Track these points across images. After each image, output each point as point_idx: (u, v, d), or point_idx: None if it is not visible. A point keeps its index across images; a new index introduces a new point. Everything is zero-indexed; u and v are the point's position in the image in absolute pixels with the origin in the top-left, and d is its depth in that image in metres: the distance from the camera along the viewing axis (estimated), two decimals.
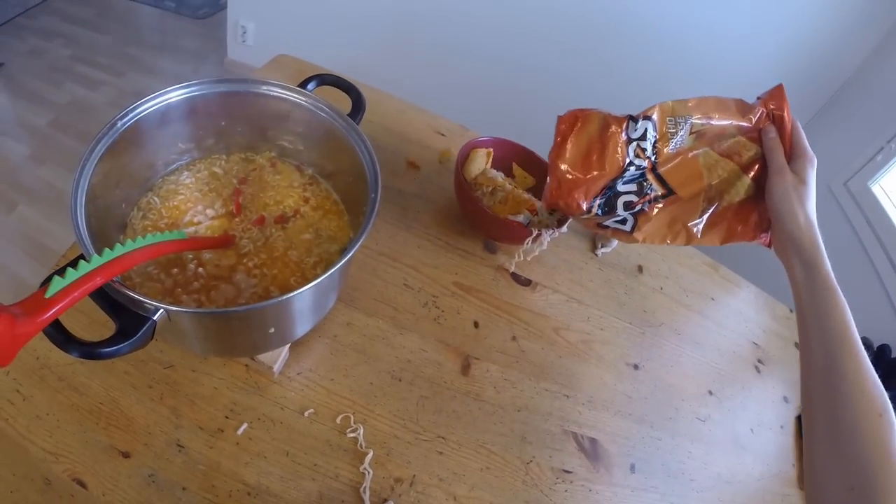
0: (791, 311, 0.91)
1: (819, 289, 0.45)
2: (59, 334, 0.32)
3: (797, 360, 0.79)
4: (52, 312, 0.28)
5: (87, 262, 0.32)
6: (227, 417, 0.46)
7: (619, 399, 0.61)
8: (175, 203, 0.50)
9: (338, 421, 0.48)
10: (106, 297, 0.34)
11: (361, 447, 0.47)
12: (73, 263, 0.31)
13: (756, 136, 0.50)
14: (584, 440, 0.56)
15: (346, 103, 0.52)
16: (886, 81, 1.56)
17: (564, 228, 0.62)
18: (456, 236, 0.67)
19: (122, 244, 0.34)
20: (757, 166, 0.51)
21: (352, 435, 0.48)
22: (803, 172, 0.47)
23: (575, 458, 0.54)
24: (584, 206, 0.50)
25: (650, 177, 0.50)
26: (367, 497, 0.45)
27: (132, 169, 0.47)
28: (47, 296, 0.29)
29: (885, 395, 0.39)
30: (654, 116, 0.49)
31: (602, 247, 0.73)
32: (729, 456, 0.64)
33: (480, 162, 0.65)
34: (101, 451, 0.43)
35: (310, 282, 0.37)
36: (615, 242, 0.74)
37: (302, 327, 0.46)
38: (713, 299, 0.78)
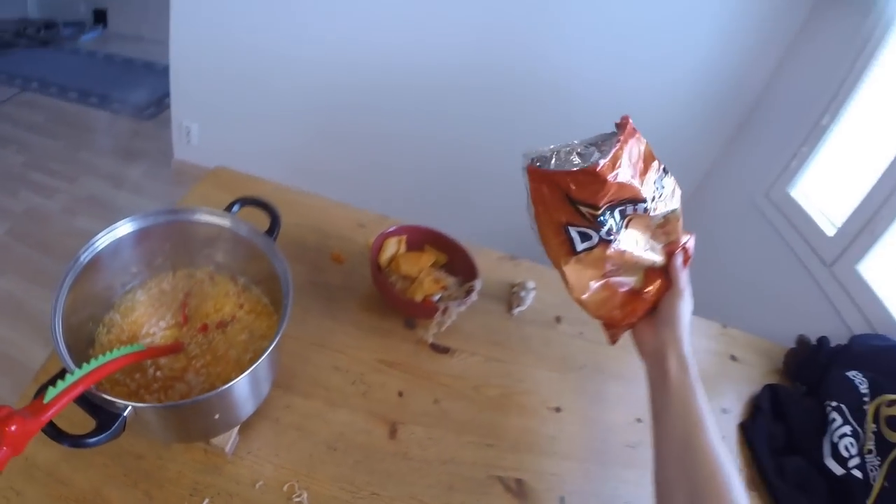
0: (724, 326, 1.13)
1: (691, 383, 0.65)
2: (53, 430, 0.50)
3: (733, 372, 1.00)
4: (49, 414, 0.46)
5: (71, 374, 0.52)
6: (191, 495, 0.63)
7: (544, 441, 0.79)
8: (133, 318, 0.70)
9: (284, 489, 0.66)
10: (85, 400, 0.53)
11: None
12: (61, 375, 0.50)
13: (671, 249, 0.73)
14: (510, 482, 0.74)
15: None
16: (790, 94, 2.01)
17: (474, 296, 0.83)
18: (378, 318, 0.88)
19: (94, 359, 0.54)
20: (655, 272, 0.73)
21: (297, 500, 0.65)
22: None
23: (502, 499, 0.72)
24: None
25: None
26: None
27: (95, 292, 0.67)
28: (45, 402, 0.49)
29: (734, 465, 0.59)
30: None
31: (517, 306, 0.94)
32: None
33: (392, 249, 0.88)
34: None
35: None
36: (528, 301, 0.95)
37: (243, 412, 0.65)
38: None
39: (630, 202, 0.65)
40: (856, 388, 1.04)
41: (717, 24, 2.04)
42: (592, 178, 0.60)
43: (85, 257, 0.64)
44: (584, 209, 0.63)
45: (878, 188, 1.43)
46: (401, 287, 0.85)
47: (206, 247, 0.75)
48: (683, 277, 0.74)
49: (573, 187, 0.62)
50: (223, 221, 0.72)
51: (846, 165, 1.69)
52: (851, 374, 1.06)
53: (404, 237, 0.91)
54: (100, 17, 4.32)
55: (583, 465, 0.79)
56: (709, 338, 1.07)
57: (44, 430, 0.49)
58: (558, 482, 0.76)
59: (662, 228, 0.72)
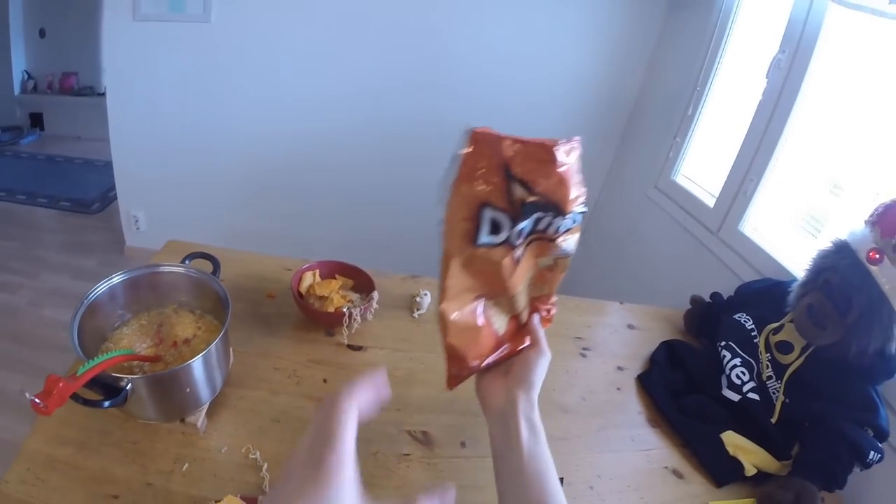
0: (621, 303, 1.45)
1: (542, 453, 0.72)
2: (80, 398, 0.80)
3: (630, 338, 1.32)
4: (81, 380, 0.77)
5: (83, 366, 0.81)
6: (175, 462, 0.93)
7: (444, 403, 1.11)
8: (122, 344, 1.01)
9: (242, 451, 0.96)
10: (98, 383, 0.83)
11: (259, 462, 0.94)
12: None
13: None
14: (417, 433, 1.05)
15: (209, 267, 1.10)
16: (660, 93, 2.48)
17: (374, 304, 1.20)
18: (305, 332, 1.22)
19: (100, 356, 0.84)
20: (516, 321, 0.81)
21: (252, 457, 0.95)
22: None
23: (411, 445, 1.02)
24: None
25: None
26: (267, 487, 0.91)
27: (94, 328, 0.98)
28: (78, 374, 0.78)
29: None
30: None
31: (416, 310, 1.30)
32: (559, 421, 1.12)
33: (308, 280, 1.25)
34: (98, 500, 0.87)
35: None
36: (426, 306, 1.30)
37: (207, 389, 0.96)
38: None
39: (553, 210, 0.65)
40: (742, 326, 1.31)
41: (585, 38, 2.54)
42: (544, 154, 0.62)
43: (87, 300, 0.97)
44: (517, 189, 0.62)
45: (740, 158, 1.84)
46: (318, 306, 1.21)
47: (170, 290, 1.10)
48: (544, 338, 0.81)
49: (518, 158, 0.61)
50: (181, 269, 1.08)
51: (714, 145, 2.12)
52: (738, 316, 1.35)
53: (317, 270, 1.29)
54: (36, 120, 4.77)
55: (478, 417, 1.05)
56: (607, 315, 1.41)
57: (73, 398, 0.78)
58: (458, 430, 1.07)
59: (544, 274, 0.78)
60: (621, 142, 2.81)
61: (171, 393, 0.94)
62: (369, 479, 0.96)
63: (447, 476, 1.00)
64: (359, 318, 1.19)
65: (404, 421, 1.08)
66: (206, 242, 1.34)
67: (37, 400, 0.73)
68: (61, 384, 0.75)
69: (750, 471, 1.08)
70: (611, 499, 1.01)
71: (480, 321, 0.74)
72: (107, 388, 0.86)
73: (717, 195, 1.97)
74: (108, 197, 3.71)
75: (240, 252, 1.42)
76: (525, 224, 0.65)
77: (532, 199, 0.63)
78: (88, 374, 0.81)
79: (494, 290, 0.72)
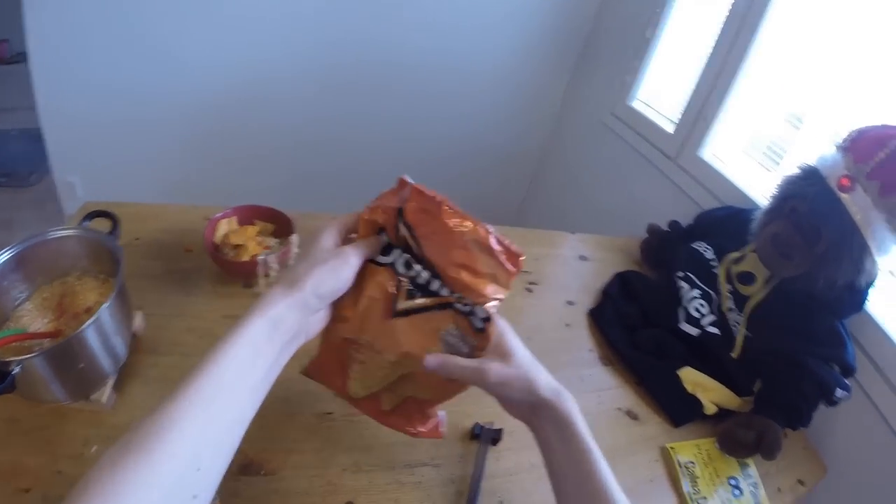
0: (572, 232, 1.34)
1: (575, 451, 0.66)
2: None
3: (582, 270, 1.20)
4: None
5: None
6: (84, 445, 0.90)
7: None
8: (22, 323, 0.96)
9: None
10: None
11: None
12: None
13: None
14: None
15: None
16: (617, 16, 2.38)
17: (295, 248, 1.13)
18: (222, 286, 1.17)
19: None
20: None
21: None
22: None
23: (334, 402, 0.99)
24: None
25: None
26: None
27: None
28: None
29: None
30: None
31: None
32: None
33: (224, 228, 1.18)
34: (9, 495, 0.85)
35: None
36: None
37: (105, 362, 0.91)
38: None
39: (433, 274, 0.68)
40: (702, 255, 1.26)
41: None
42: (437, 213, 0.66)
43: None
44: (402, 229, 0.67)
45: (702, 82, 1.77)
46: (233, 256, 1.15)
47: (69, 257, 1.03)
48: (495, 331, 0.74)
49: (412, 208, 0.66)
50: (71, 232, 1.00)
51: (674, 69, 2.05)
52: (696, 245, 1.29)
53: (234, 217, 1.22)
54: None
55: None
56: (556, 246, 1.30)
57: None
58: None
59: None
60: (577, 68, 2.70)
61: (65, 370, 0.89)
62: (287, 442, 0.94)
63: (371, 434, 0.96)
64: (276, 266, 1.13)
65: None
66: (144, 201, 1.24)
67: None
68: None
69: (710, 409, 1.06)
70: None
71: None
72: None
73: (676, 121, 1.94)
74: (43, 167, 3.51)
75: (162, 205, 1.37)
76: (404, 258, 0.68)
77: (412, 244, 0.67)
78: None
79: (373, 325, 0.70)
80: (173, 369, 1.01)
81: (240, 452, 0.86)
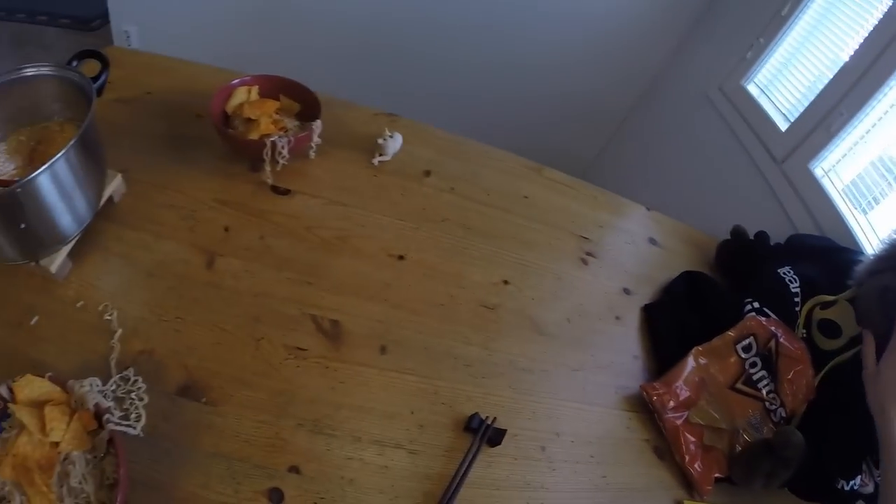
0: (648, 209, 1.09)
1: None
2: None
3: (648, 255, 0.94)
4: None
5: None
6: (24, 313, 0.73)
7: (374, 286, 0.85)
8: None
9: (99, 309, 0.74)
10: None
11: (113, 327, 0.73)
12: None
13: None
14: (323, 322, 0.79)
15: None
16: None
17: (316, 138, 0.91)
18: (226, 163, 0.95)
19: None
20: None
21: (107, 318, 0.74)
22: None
23: (312, 337, 0.78)
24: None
25: None
26: (113, 365, 0.70)
27: None
28: None
29: None
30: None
31: (380, 155, 0.99)
32: (528, 344, 0.85)
33: (240, 97, 0.94)
34: None
35: None
36: (391, 150, 1.00)
37: (66, 222, 0.73)
38: (526, 197, 0.99)
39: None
40: (786, 284, 1.01)
41: None
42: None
43: None
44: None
45: (834, 84, 1.43)
46: (242, 130, 0.92)
47: (53, 101, 0.86)
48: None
49: None
50: (45, 70, 0.83)
51: (805, 59, 1.71)
52: (782, 270, 1.04)
53: (256, 87, 0.98)
54: None
55: (416, 316, 0.83)
56: (627, 218, 1.07)
57: None
58: (382, 329, 0.81)
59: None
60: (693, 27, 2.33)
61: (10, 223, 0.71)
62: (242, 372, 0.73)
63: (347, 390, 0.74)
64: (285, 152, 0.90)
65: (313, 301, 0.82)
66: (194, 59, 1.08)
67: None
68: None
69: None
70: (563, 470, 0.74)
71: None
72: None
73: (792, 119, 1.56)
74: (108, 14, 3.54)
75: (184, 62, 1.14)
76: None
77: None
78: None
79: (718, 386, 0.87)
80: (139, 248, 0.82)
81: (183, 368, 0.72)
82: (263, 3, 2.41)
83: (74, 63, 0.85)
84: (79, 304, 0.75)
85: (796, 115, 1.53)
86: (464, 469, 0.71)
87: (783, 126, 1.57)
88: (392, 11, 2.29)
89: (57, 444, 0.61)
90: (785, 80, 1.74)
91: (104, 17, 3.45)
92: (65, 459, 0.61)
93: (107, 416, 0.62)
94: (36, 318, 0.73)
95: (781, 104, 1.68)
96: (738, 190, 1.70)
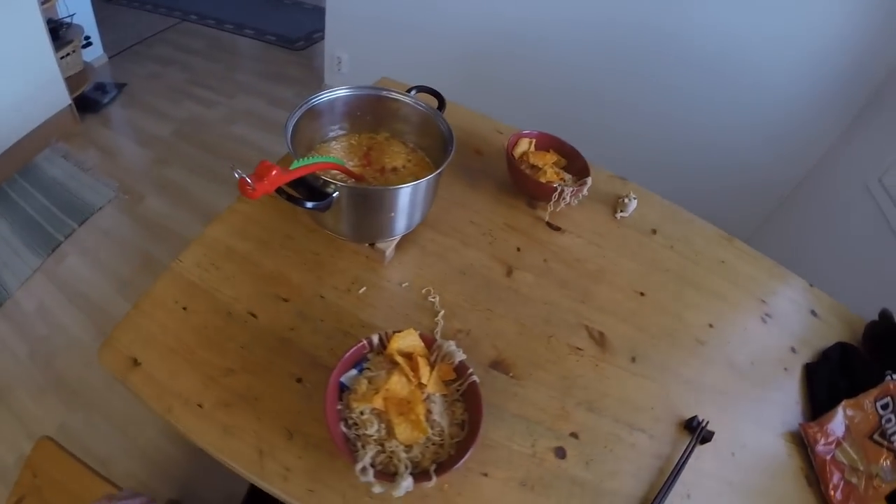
0: (811, 284, 1.30)
1: None
2: (286, 194, 0.78)
3: (810, 324, 1.17)
4: (292, 174, 0.76)
5: (297, 162, 0.78)
6: (352, 283, 0.95)
7: (625, 311, 1.06)
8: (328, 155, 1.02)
9: (422, 292, 0.97)
10: (305, 186, 0.83)
11: (436, 308, 0.95)
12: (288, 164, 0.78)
13: None
14: (594, 331, 1.01)
15: (433, 103, 1.06)
16: None
17: (585, 191, 1.13)
18: (507, 196, 1.19)
19: (310, 157, 0.82)
20: None
21: (431, 300, 0.96)
22: None
23: (586, 341, 0.99)
24: None
25: None
26: (438, 336, 0.91)
27: (305, 134, 0.98)
28: (291, 168, 0.76)
29: None
30: None
31: (621, 212, 1.22)
32: (725, 375, 1.04)
33: (524, 146, 1.19)
34: (269, 298, 0.91)
35: None
36: (630, 210, 1.22)
37: (403, 223, 0.95)
38: (723, 262, 1.22)
39: None
40: None
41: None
42: None
43: (307, 104, 0.96)
44: None
45: None
46: (528, 173, 1.14)
47: (388, 118, 1.08)
48: None
49: None
50: (407, 99, 1.05)
51: None
52: None
53: (534, 139, 1.22)
54: None
55: (654, 339, 1.04)
56: (794, 290, 1.27)
57: (279, 192, 0.77)
58: (632, 344, 1.02)
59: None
60: (857, 118, 2.40)
61: (372, 213, 0.94)
62: (538, 359, 0.94)
63: (610, 384, 0.95)
64: (568, 199, 1.14)
65: (585, 315, 1.04)
66: None
67: (248, 179, 0.71)
68: (274, 172, 0.73)
69: None
70: (747, 476, 0.92)
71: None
72: (312, 191, 0.85)
73: None
74: (312, 38, 3.83)
75: (454, 104, 1.36)
76: None
77: None
78: (301, 171, 0.80)
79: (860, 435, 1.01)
80: (450, 251, 1.05)
81: (494, 348, 0.94)
82: (471, 48, 2.71)
83: (413, 92, 1.08)
84: (404, 285, 0.97)
85: None
86: (684, 458, 0.88)
87: None
88: (581, 60, 2.60)
89: (423, 386, 0.77)
90: None
91: (307, 40, 3.83)
92: (425, 399, 0.76)
93: (470, 370, 0.80)
94: (364, 289, 0.95)
95: None
96: (889, 279, 1.82)
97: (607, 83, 2.60)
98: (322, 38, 3.15)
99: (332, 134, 1.07)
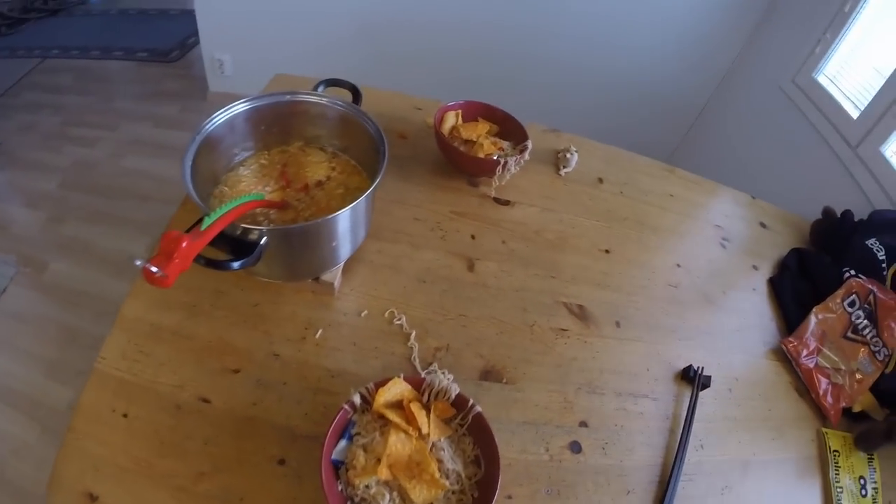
0: (753, 197, 1.31)
1: None
2: (205, 260, 0.62)
3: (762, 237, 1.16)
4: (206, 237, 0.59)
5: (209, 216, 0.61)
6: (306, 329, 0.82)
7: (596, 275, 1.01)
8: (240, 188, 0.87)
9: (385, 316, 0.86)
10: (225, 239, 0.66)
11: (405, 330, 0.84)
12: (200, 221, 0.61)
13: None
14: (573, 307, 0.95)
15: (346, 96, 0.92)
16: None
17: (527, 155, 1.04)
18: (445, 179, 1.09)
19: (223, 205, 0.65)
20: None
21: (398, 322, 0.85)
22: None
23: (568, 320, 0.93)
24: None
25: None
26: (417, 363, 0.81)
27: (206, 167, 0.81)
28: (202, 228, 0.61)
29: None
30: None
31: (564, 167, 1.15)
32: (704, 313, 1.02)
33: (451, 121, 1.08)
34: (217, 374, 0.76)
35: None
36: (573, 164, 1.15)
37: (349, 245, 0.83)
38: (672, 196, 1.19)
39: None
40: (874, 255, 1.18)
41: None
42: None
43: (204, 131, 0.80)
44: None
45: None
46: (463, 150, 1.05)
47: (299, 125, 0.93)
48: None
49: None
50: (322, 100, 0.91)
51: (869, 50, 1.85)
52: (870, 242, 1.21)
53: (461, 111, 1.11)
54: None
55: (631, 296, 1.00)
56: (740, 205, 1.26)
57: (197, 261, 0.60)
58: (613, 309, 0.97)
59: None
60: (760, 24, 2.47)
61: (310, 249, 0.81)
62: (526, 353, 0.87)
63: (603, 358, 0.90)
64: (513, 169, 1.05)
65: (559, 290, 0.97)
66: None
67: (153, 268, 0.53)
68: (184, 243, 0.56)
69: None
70: (746, 406, 0.92)
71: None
72: (233, 244, 0.69)
73: (862, 107, 1.73)
74: (186, 44, 3.50)
75: (371, 88, 1.21)
76: None
77: None
78: (216, 228, 0.63)
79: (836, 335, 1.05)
80: (403, 259, 0.94)
81: (479, 358, 0.86)
82: (360, 22, 2.52)
83: (321, 88, 0.94)
84: (363, 314, 0.85)
85: (866, 102, 1.68)
86: (691, 412, 0.86)
87: (854, 113, 1.72)
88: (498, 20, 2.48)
89: (426, 436, 0.67)
90: (852, 71, 1.87)
91: (182, 48, 3.48)
92: (432, 449, 0.67)
93: (470, 402, 0.70)
94: (320, 332, 0.82)
95: (851, 93, 1.82)
96: (817, 172, 1.85)
97: (510, 35, 2.53)
98: (197, 42, 2.87)
99: (237, 158, 0.92)
